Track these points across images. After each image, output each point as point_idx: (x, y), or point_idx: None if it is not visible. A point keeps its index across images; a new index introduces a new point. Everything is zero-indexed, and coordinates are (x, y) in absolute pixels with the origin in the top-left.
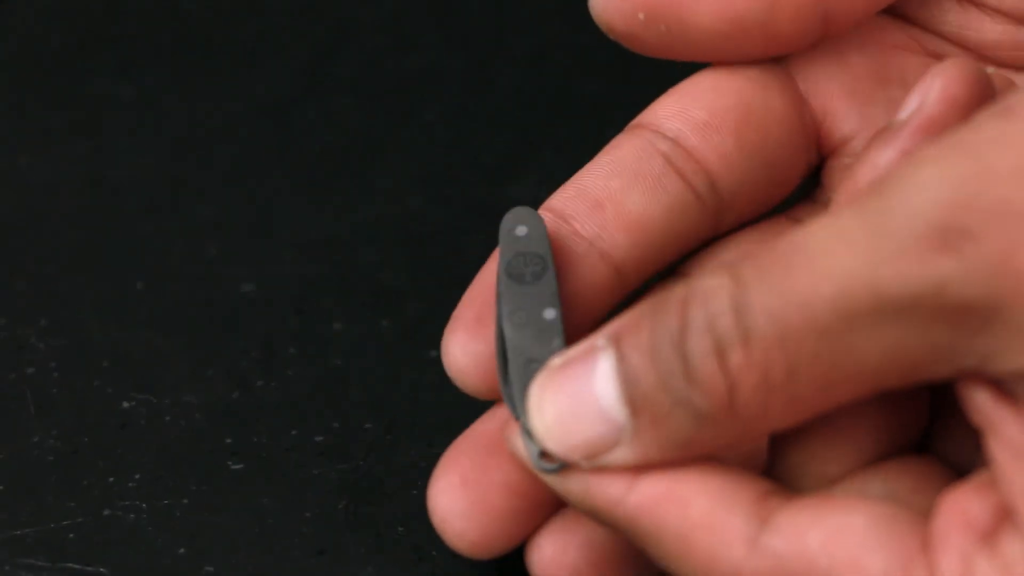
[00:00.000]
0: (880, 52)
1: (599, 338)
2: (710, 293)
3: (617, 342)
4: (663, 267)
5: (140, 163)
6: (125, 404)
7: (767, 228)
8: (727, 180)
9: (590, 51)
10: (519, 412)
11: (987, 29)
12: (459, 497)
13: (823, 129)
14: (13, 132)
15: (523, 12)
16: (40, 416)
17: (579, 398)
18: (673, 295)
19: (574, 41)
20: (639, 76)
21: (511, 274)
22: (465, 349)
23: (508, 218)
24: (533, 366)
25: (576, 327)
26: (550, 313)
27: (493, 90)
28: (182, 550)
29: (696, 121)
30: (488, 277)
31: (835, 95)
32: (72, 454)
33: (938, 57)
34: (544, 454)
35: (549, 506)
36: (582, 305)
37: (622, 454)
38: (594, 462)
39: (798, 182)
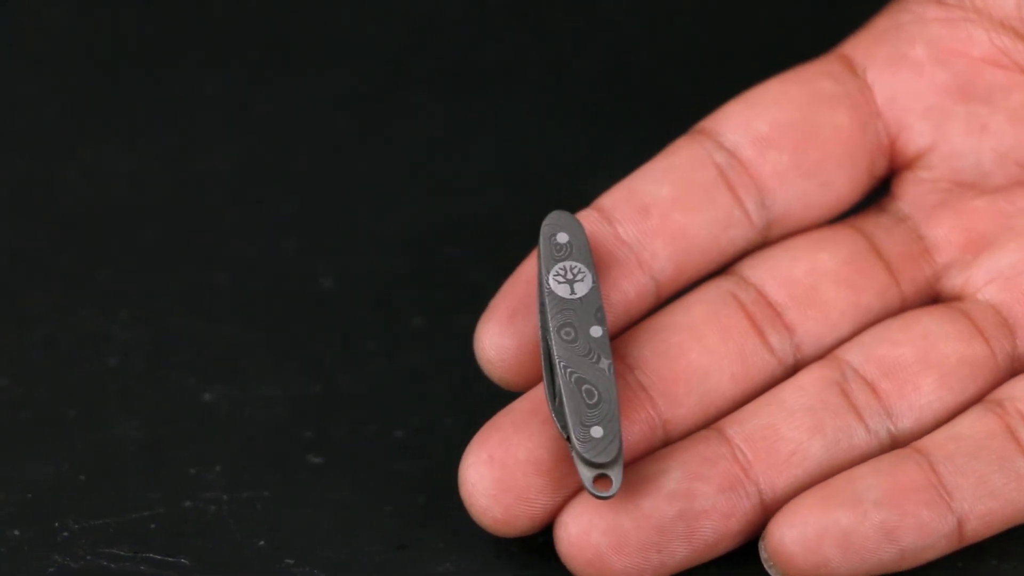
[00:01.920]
0: (965, 65)
1: None
2: None
3: None
4: (701, 278)
5: (222, 157)
6: (206, 396)
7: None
8: (779, 197)
9: (670, 48)
10: (566, 428)
11: None
12: (485, 474)
13: (897, 143)
14: (98, 125)
15: (603, 9)
16: (122, 407)
17: None
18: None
19: (654, 38)
20: (719, 75)
21: (555, 285)
22: (495, 343)
23: (548, 223)
24: (585, 387)
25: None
26: (597, 331)
27: (574, 87)
28: (262, 542)
29: (756, 134)
30: (528, 273)
31: (912, 110)
32: (153, 445)
33: None
34: (598, 480)
35: (572, 485)
36: (613, 309)
37: None
38: None
39: (857, 199)
